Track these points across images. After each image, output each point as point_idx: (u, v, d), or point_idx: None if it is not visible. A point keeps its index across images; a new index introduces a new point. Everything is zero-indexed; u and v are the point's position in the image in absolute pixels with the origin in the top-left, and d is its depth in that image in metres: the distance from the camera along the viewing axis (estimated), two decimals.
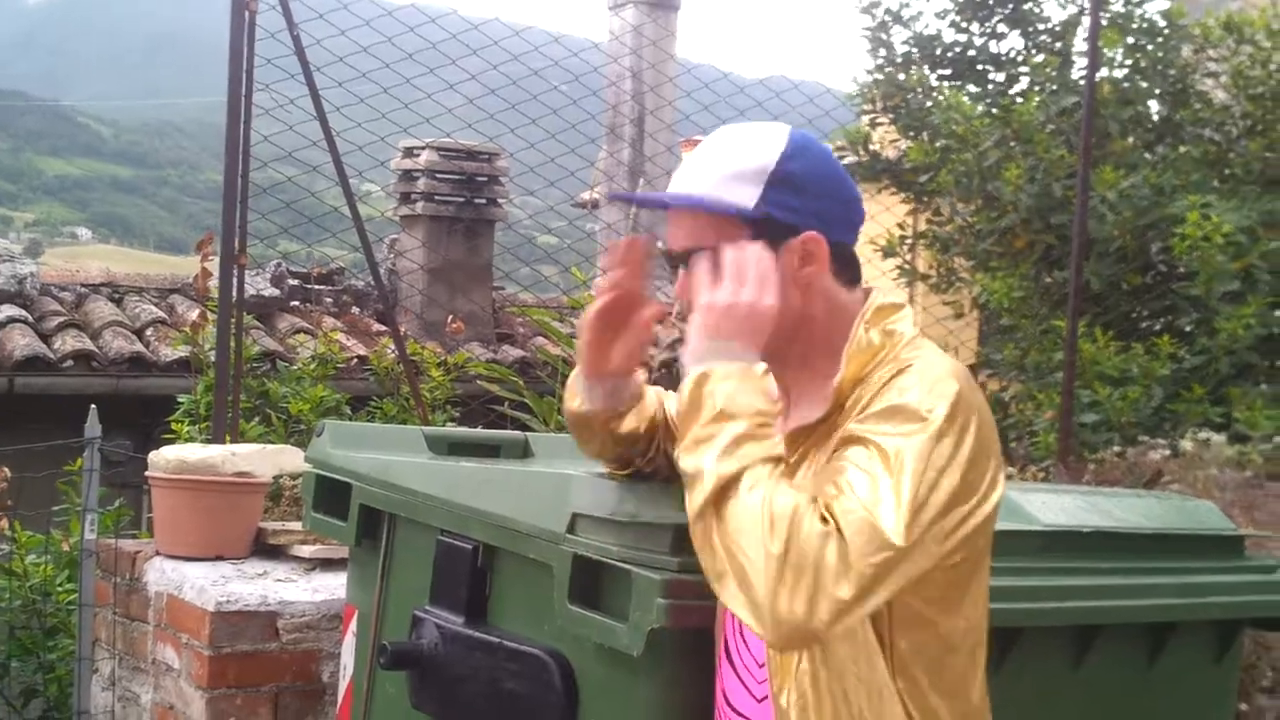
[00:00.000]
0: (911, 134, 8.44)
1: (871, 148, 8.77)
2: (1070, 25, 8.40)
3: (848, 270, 2.02)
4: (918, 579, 1.75)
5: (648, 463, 2.36)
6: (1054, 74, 7.71)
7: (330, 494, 3.23)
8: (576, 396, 2.27)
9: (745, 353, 1.86)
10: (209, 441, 5.19)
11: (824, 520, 1.68)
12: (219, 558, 4.43)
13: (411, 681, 2.83)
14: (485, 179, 10.43)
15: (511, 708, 2.55)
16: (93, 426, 4.99)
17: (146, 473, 4.61)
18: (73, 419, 5.09)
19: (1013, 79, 8.55)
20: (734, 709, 2.03)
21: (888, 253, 8.62)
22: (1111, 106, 7.37)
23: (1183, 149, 7.58)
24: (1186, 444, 5.83)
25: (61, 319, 9.01)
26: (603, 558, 2.27)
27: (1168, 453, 5.79)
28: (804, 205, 1.96)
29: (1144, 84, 7.59)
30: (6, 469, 5.36)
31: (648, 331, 2.19)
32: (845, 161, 8.95)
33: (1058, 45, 8.33)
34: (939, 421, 1.78)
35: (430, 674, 2.76)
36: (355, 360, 8.55)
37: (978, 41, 8.64)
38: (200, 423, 5.69)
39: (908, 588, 1.74)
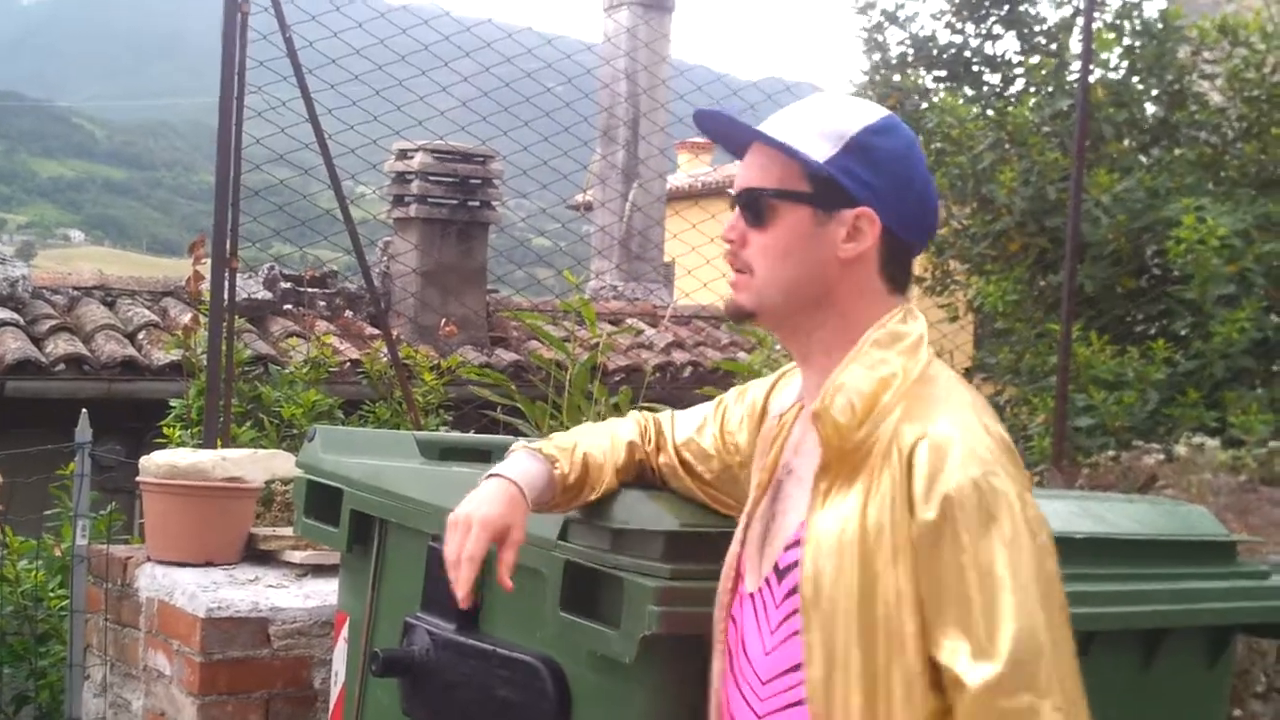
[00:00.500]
0: None
1: None
2: (1065, 27, 8.40)
3: (896, 271, 1.97)
4: None
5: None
6: (1049, 76, 7.71)
7: (322, 499, 3.22)
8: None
9: None
10: (201, 446, 5.18)
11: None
12: (210, 563, 4.42)
13: (403, 689, 2.82)
14: (479, 181, 10.42)
15: (504, 715, 2.54)
16: (83, 431, 4.98)
17: (137, 478, 4.59)
18: (64, 423, 5.08)
19: (1008, 81, 8.56)
20: None
21: None
22: (1106, 109, 7.37)
23: (1178, 151, 7.58)
24: (1181, 448, 5.83)
25: (53, 322, 8.99)
26: (595, 564, 2.27)
27: (1162, 457, 5.79)
28: (872, 181, 1.91)
29: (1139, 86, 7.59)
30: None
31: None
32: None
33: (1053, 47, 8.34)
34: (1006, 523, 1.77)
35: (422, 681, 2.75)
36: (348, 364, 8.53)
37: (973, 43, 8.65)
38: (192, 427, 5.68)
39: None
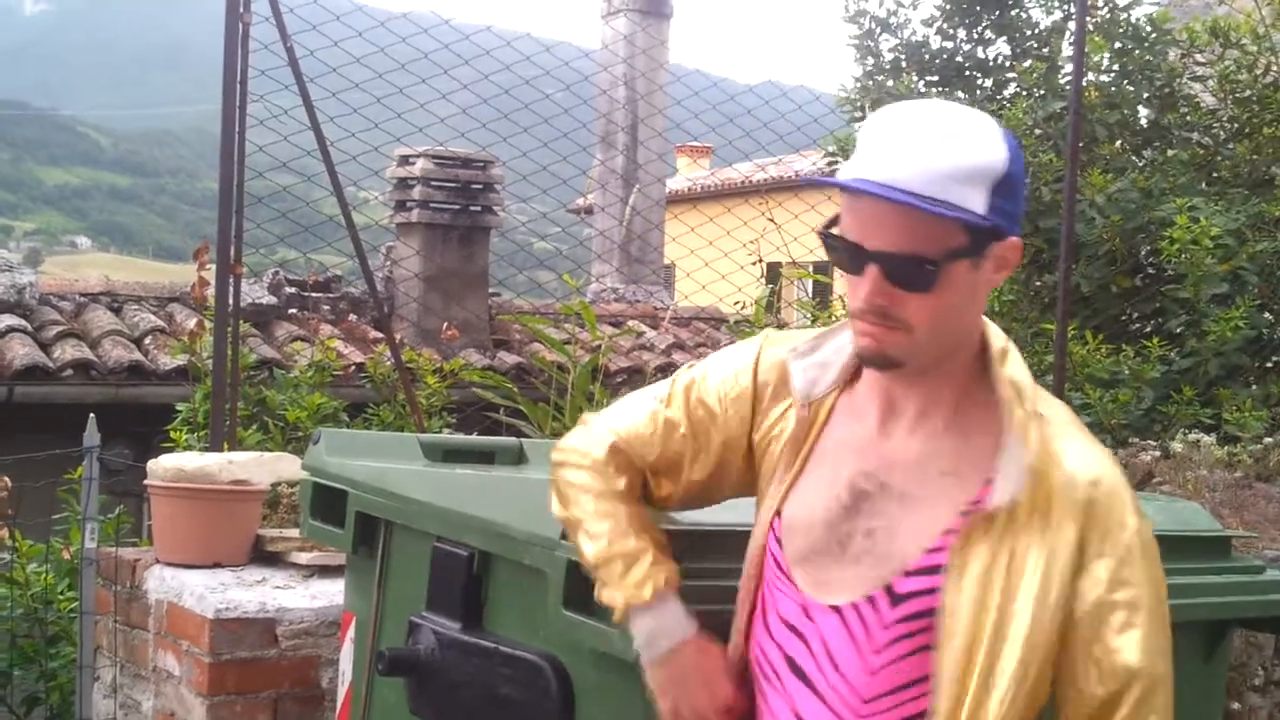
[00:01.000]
0: None
1: None
2: (1056, 31, 8.44)
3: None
4: None
5: None
6: (1041, 79, 7.75)
7: (327, 501, 3.26)
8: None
9: None
10: (207, 449, 5.23)
11: None
12: (218, 565, 4.46)
13: (409, 687, 2.86)
14: (480, 187, 10.47)
15: (508, 713, 2.58)
16: (91, 435, 5.02)
17: (145, 481, 4.64)
18: (72, 428, 5.11)
19: (1000, 85, 8.58)
20: None
21: None
22: (1099, 111, 7.42)
23: (1171, 152, 7.63)
24: (1177, 445, 5.87)
25: (60, 328, 9.04)
26: None
27: (1158, 454, 5.83)
28: (1015, 210, 1.85)
29: (1131, 88, 7.64)
30: (6, 478, 5.38)
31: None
32: (835, 168, 9.01)
33: (1044, 51, 8.38)
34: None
35: (427, 680, 2.79)
36: (352, 367, 8.58)
37: (965, 48, 8.68)
38: (199, 431, 5.72)
39: None
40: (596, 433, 2.20)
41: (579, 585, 2.31)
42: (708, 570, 2.23)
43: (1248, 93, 7.48)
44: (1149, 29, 7.66)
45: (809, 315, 7.56)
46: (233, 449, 5.23)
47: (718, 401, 2.10)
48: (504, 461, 3.44)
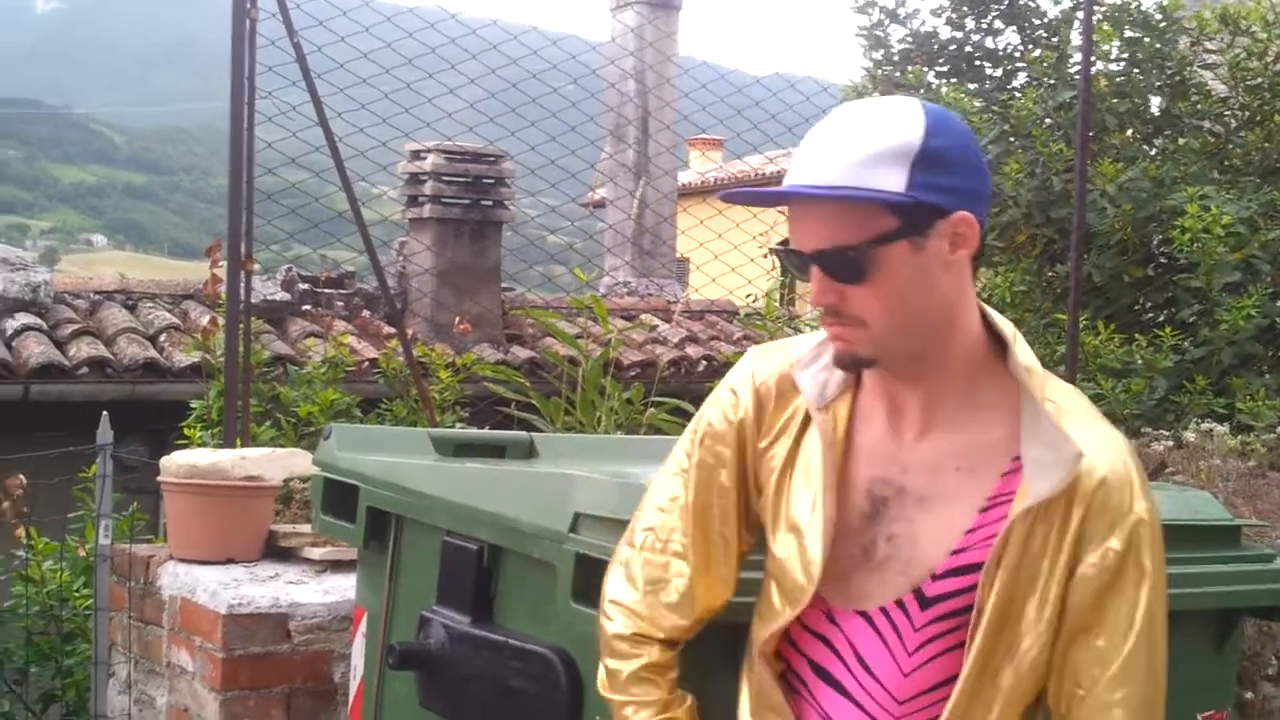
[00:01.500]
0: None
1: None
2: (1066, 20, 8.42)
3: (979, 254, 1.89)
4: None
5: None
6: (1050, 69, 7.73)
7: (338, 496, 3.28)
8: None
9: None
10: (221, 446, 5.25)
11: None
12: (231, 561, 4.49)
13: (420, 681, 2.87)
14: (491, 181, 10.47)
15: (518, 706, 2.59)
16: (104, 433, 5.04)
17: (158, 478, 4.67)
18: (88, 425, 5.14)
19: (1010, 74, 8.57)
20: None
21: None
22: (1109, 100, 7.40)
23: (1182, 141, 7.60)
24: (1190, 435, 5.86)
25: (76, 326, 9.07)
26: (605, 557, 2.27)
27: (1171, 444, 5.82)
28: (954, 184, 1.81)
29: (1141, 77, 7.62)
30: (21, 476, 5.41)
31: None
32: None
33: (1054, 40, 8.36)
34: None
35: (438, 673, 2.81)
36: (366, 363, 8.60)
37: (974, 38, 8.66)
38: (213, 427, 5.74)
39: None
40: (623, 609, 2.10)
41: (588, 578, 2.32)
42: None
43: (1259, 80, 7.45)
44: (1159, 17, 7.64)
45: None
46: (246, 445, 5.25)
47: (725, 427, 2.06)
48: (514, 456, 3.45)
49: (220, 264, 5.92)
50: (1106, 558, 1.82)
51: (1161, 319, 7.33)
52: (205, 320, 7.79)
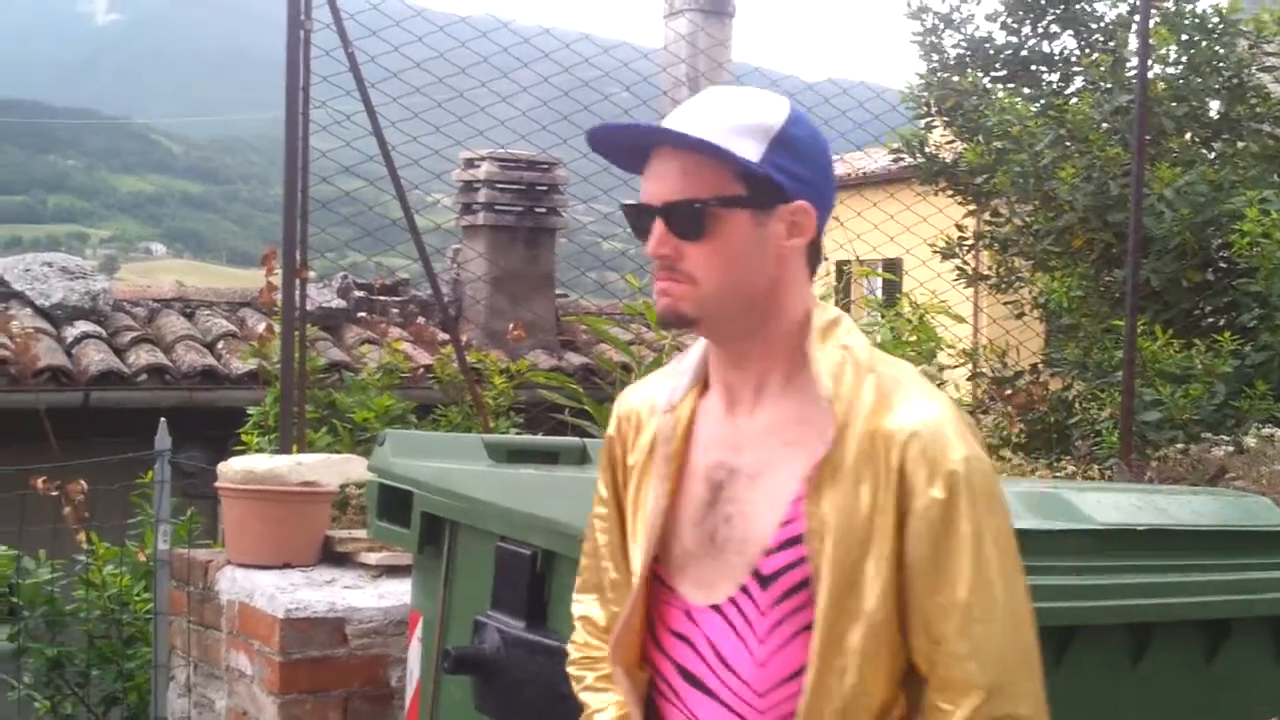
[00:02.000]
0: (966, 136, 8.43)
1: (927, 150, 8.77)
2: (1122, 24, 8.37)
3: (815, 256, 1.96)
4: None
5: None
6: (1107, 73, 7.68)
7: (393, 502, 3.30)
8: None
9: None
10: (278, 452, 5.29)
11: None
12: (288, 566, 4.52)
13: (475, 686, 2.88)
14: (545, 188, 10.50)
15: (571, 711, 2.59)
16: (163, 439, 5.09)
17: (216, 483, 4.71)
18: (147, 432, 5.19)
19: (1066, 79, 8.53)
20: None
21: (946, 254, 8.62)
22: (1166, 104, 7.35)
23: (1240, 144, 7.53)
24: (1250, 440, 5.80)
25: (135, 334, 9.16)
26: None
27: (1231, 449, 5.77)
28: (802, 174, 1.89)
29: (1199, 80, 7.55)
30: (83, 482, 5.47)
31: None
32: (902, 165, 8.98)
33: (1110, 44, 8.30)
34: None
35: (493, 678, 2.81)
36: (421, 369, 8.64)
37: (1030, 43, 8.62)
38: (269, 434, 5.79)
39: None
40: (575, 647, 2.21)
41: None
42: None
43: None
44: (1216, 20, 7.57)
45: (877, 312, 7.53)
46: (302, 451, 5.29)
47: (610, 469, 2.13)
48: (567, 461, 3.46)
49: (276, 272, 5.97)
50: (931, 509, 1.80)
51: (1221, 324, 7.26)
52: (262, 327, 7.85)
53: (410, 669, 3.37)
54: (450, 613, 3.12)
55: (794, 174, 1.89)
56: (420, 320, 10.40)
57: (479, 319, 10.34)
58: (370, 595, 4.24)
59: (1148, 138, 6.22)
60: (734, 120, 1.87)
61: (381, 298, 10.40)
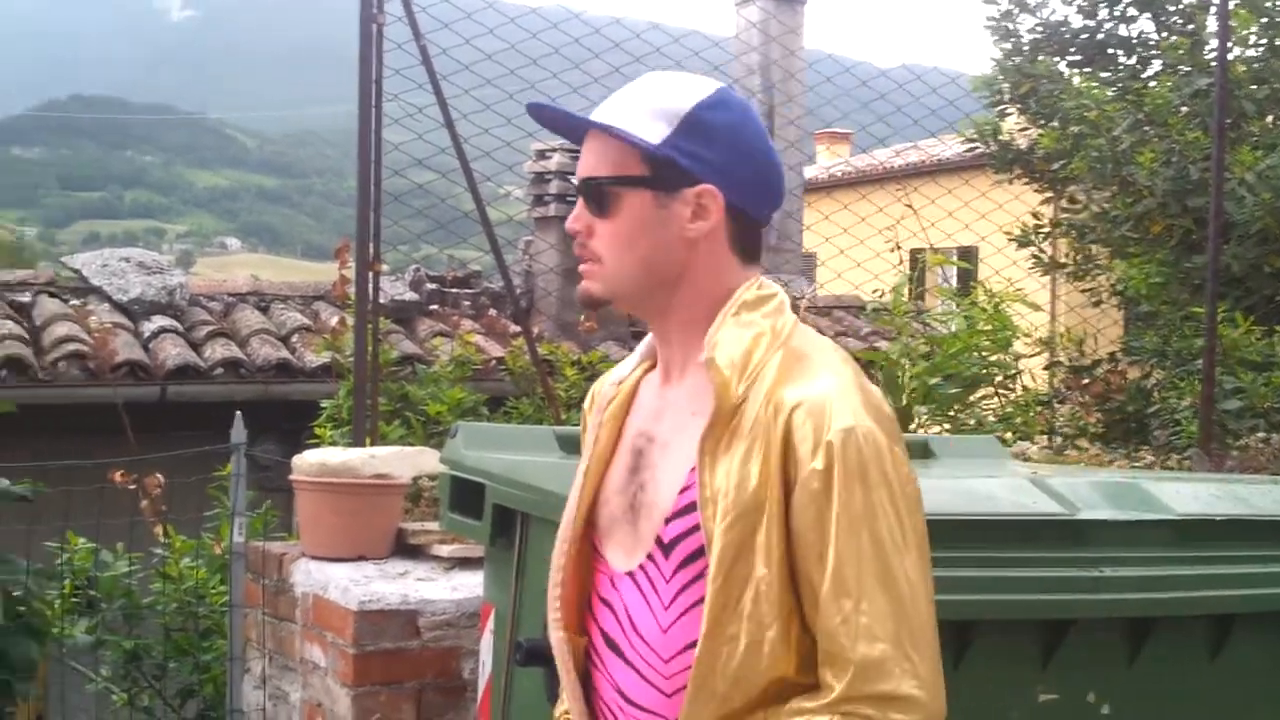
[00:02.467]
0: (1042, 122, 8.34)
1: (1001, 138, 8.68)
2: (1201, 6, 8.24)
3: (746, 243, 1.96)
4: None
5: None
6: (1185, 56, 7.56)
7: (465, 494, 3.30)
8: None
9: None
10: (351, 444, 5.31)
11: None
12: (362, 558, 4.54)
13: (547, 678, 2.87)
14: None
15: None
16: (238, 432, 5.12)
17: (290, 476, 4.73)
18: (223, 425, 5.22)
19: (1144, 62, 8.41)
20: (636, 705, 1.94)
21: (1022, 242, 8.54)
22: (1247, 86, 7.22)
23: None
24: None
25: (211, 328, 9.25)
26: None
27: None
28: (710, 157, 1.90)
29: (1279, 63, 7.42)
30: (159, 475, 5.52)
31: None
32: (975, 153, 8.89)
33: (1189, 26, 8.18)
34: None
35: None
36: (493, 362, 8.66)
37: (1106, 26, 8.51)
38: (342, 426, 5.81)
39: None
40: None
41: None
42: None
43: None
44: None
45: (951, 300, 7.46)
46: (375, 444, 5.31)
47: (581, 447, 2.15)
48: None
49: (348, 265, 5.99)
50: (811, 480, 1.78)
51: None
52: (335, 321, 7.89)
53: (482, 661, 3.37)
54: (522, 605, 3.11)
55: (700, 157, 1.90)
56: (492, 312, 10.43)
57: (551, 311, 10.36)
58: (443, 587, 4.25)
59: (1228, 121, 6.11)
60: (649, 103, 1.92)
61: (453, 290, 10.44)
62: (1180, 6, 8.32)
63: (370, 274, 5.59)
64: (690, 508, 1.86)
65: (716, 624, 1.80)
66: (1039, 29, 8.54)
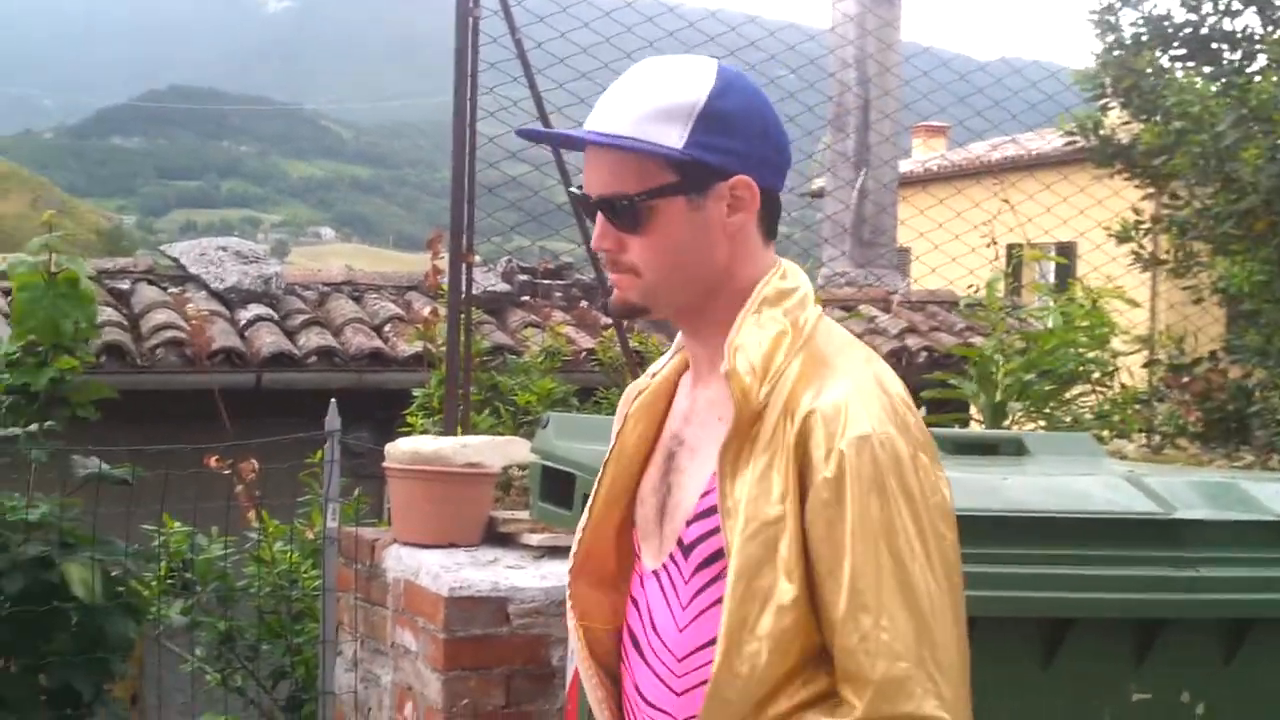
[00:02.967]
0: (1144, 117, 8.21)
1: (1102, 133, 8.56)
2: None
3: (771, 221, 1.92)
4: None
5: None
6: None
7: (556, 483, 3.32)
8: None
9: None
10: (442, 433, 5.35)
11: None
12: (453, 545, 4.57)
13: None
14: None
15: None
16: (333, 420, 5.18)
17: (383, 464, 4.78)
18: (316, 413, 5.28)
19: (1249, 57, 8.25)
20: (650, 704, 1.93)
21: (1122, 239, 8.42)
22: None
23: None
24: None
25: (305, 317, 9.35)
26: None
27: None
28: (735, 147, 1.84)
29: None
30: (254, 461, 5.59)
31: None
32: (1075, 148, 8.77)
33: None
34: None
35: None
36: (583, 353, 8.68)
37: (1210, 20, 8.36)
38: (434, 415, 5.86)
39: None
40: None
41: None
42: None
43: None
44: None
45: (1048, 297, 7.37)
46: (466, 433, 5.35)
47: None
48: None
49: (441, 256, 6.04)
50: (822, 489, 1.74)
51: None
52: (427, 311, 7.95)
53: (571, 649, 3.38)
54: None
55: (725, 149, 1.84)
56: (583, 304, 10.46)
57: None
58: (532, 575, 4.27)
59: None
60: (654, 103, 1.83)
61: (545, 281, 10.48)
62: None
63: (464, 266, 5.63)
64: (710, 511, 1.84)
65: (734, 638, 1.77)
66: (1141, 22, 8.40)
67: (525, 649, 4.14)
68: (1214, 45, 8.38)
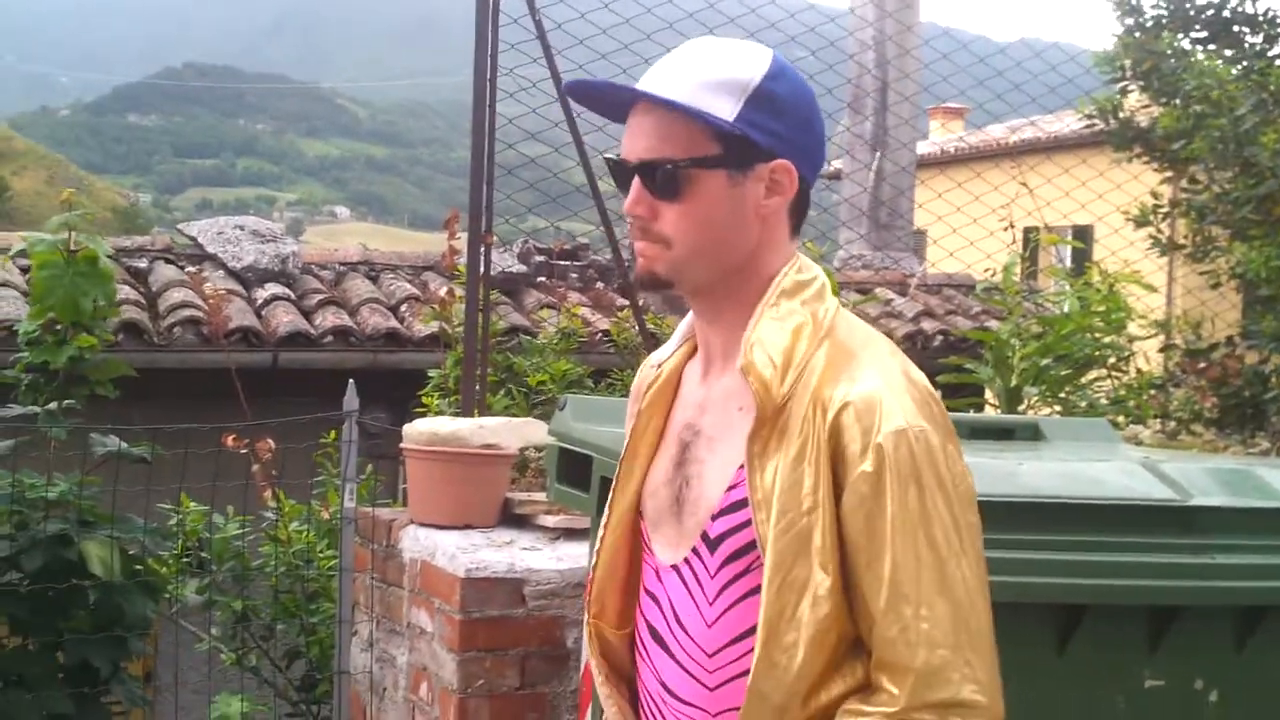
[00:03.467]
0: (1163, 100, 8.18)
1: (1121, 116, 8.53)
2: None
3: (800, 213, 1.93)
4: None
5: None
6: None
7: (572, 466, 3.32)
8: None
9: None
10: (458, 414, 5.36)
11: None
12: (469, 526, 4.59)
13: None
14: None
15: None
16: (350, 400, 5.18)
17: (400, 444, 4.79)
18: (332, 392, 5.29)
19: (1270, 40, 8.20)
20: (681, 699, 1.92)
21: (1140, 223, 8.39)
22: None
23: None
24: None
25: (321, 296, 9.35)
26: None
27: None
28: (781, 130, 1.85)
29: None
30: (270, 440, 5.60)
31: None
32: (1095, 130, 8.75)
33: None
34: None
35: None
36: (599, 334, 8.69)
37: (1231, 2, 8.31)
38: (450, 396, 5.86)
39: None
40: None
41: None
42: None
43: None
44: None
45: (1064, 280, 7.36)
46: (482, 414, 5.35)
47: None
48: None
49: (458, 236, 6.04)
50: (860, 483, 1.76)
51: None
52: (444, 291, 7.95)
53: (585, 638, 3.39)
54: None
55: (772, 131, 1.85)
56: (599, 285, 10.46)
57: None
58: (548, 557, 4.28)
59: None
60: (710, 75, 1.84)
61: (561, 262, 10.47)
62: None
63: (483, 246, 5.63)
64: (736, 505, 1.85)
65: (773, 632, 1.78)
66: (1163, 4, 8.36)
67: (540, 630, 4.15)
68: (1235, 28, 8.34)
